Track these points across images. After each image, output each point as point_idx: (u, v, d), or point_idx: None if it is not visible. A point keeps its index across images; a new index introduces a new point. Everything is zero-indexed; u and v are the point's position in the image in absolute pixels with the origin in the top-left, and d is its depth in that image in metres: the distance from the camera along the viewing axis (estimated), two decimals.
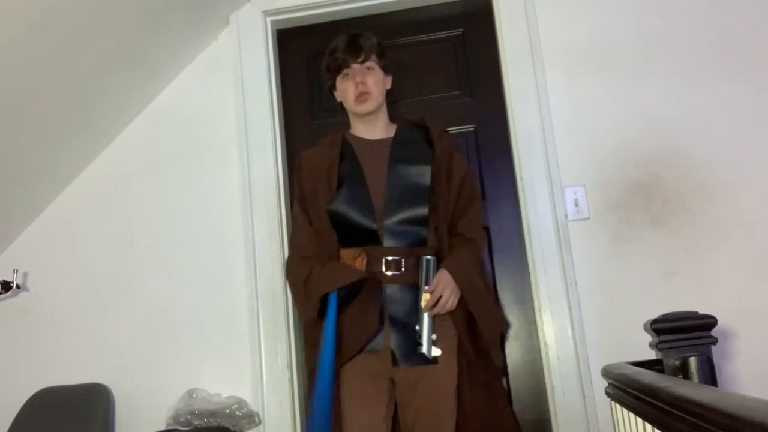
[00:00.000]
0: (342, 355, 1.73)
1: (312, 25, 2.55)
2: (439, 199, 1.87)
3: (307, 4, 2.49)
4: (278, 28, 2.57)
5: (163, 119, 2.52)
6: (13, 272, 2.32)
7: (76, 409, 2.24)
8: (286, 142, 2.48)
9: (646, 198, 2.21)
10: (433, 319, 1.74)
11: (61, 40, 2.03)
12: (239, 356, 2.30)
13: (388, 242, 1.81)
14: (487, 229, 2.34)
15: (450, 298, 1.75)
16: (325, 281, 1.76)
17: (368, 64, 1.91)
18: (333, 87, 1.99)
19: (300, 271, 1.84)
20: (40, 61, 2.03)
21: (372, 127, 1.96)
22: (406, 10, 2.52)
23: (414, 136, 1.96)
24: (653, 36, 2.30)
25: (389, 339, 1.76)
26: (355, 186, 1.85)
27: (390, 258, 1.79)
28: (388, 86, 1.99)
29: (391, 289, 1.79)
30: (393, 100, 2.42)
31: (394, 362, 1.75)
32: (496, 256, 2.32)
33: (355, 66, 1.90)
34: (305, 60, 2.56)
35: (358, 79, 1.89)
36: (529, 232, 2.23)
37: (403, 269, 1.79)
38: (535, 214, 2.23)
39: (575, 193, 2.24)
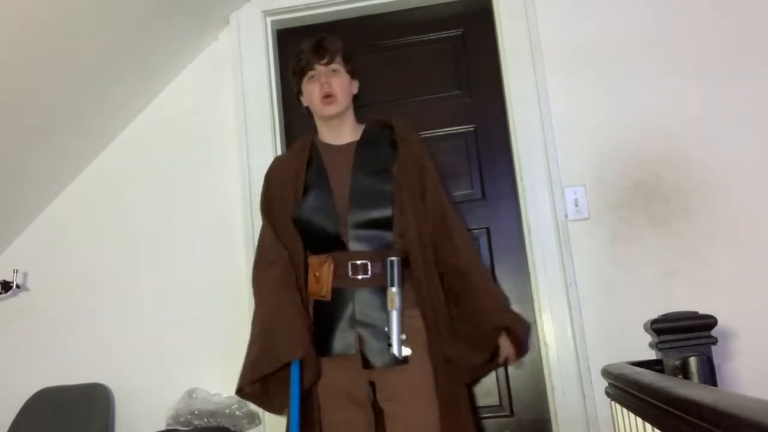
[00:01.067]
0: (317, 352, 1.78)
1: (312, 25, 2.55)
2: (406, 203, 1.85)
3: (307, 4, 2.49)
4: (278, 28, 2.57)
5: (163, 119, 2.52)
6: (13, 272, 2.32)
7: (76, 409, 2.24)
8: (286, 142, 2.48)
9: (646, 198, 2.21)
10: (402, 319, 1.75)
11: (60, 40, 2.03)
12: (239, 356, 2.29)
13: (353, 247, 1.82)
14: (487, 229, 2.35)
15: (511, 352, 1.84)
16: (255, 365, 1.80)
17: (333, 66, 1.93)
18: (299, 92, 2.00)
19: (261, 283, 1.91)
20: (39, 61, 2.03)
21: (338, 131, 1.96)
22: (406, 10, 2.52)
23: (379, 139, 1.95)
24: (653, 36, 2.29)
25: (360, 343, 1.78)
26: (319, 193, 1.86)
27: (357, 262, 1.81)
28: (355, 91, 2.00)
29: (360, 294, 1.80)
30: (392, 100, 2.44)
31: (366, 365, 1.77)
32: (496, 256, 2.32)
33: (320, 68, 1.92)
34: None
35: (323, 80, 1.90)
36: (529, 232, 2.23)
37: (369, 273, 1.80)
38: (535, 214, 2.23)
39: (575, 193, 2.24)
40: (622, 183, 2.23)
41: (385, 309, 1.76)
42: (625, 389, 1.38)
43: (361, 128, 1.99)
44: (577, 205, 2.23)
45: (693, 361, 1.52)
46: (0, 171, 2.24)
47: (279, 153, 2.43)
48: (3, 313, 2.44)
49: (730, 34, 2.26)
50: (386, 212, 1.83)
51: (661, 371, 1.57)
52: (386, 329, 1.75)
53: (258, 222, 2.35)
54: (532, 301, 2.24)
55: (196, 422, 2.14)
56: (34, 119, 2.21)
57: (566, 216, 2.22)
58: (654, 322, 1.61)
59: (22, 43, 1.93)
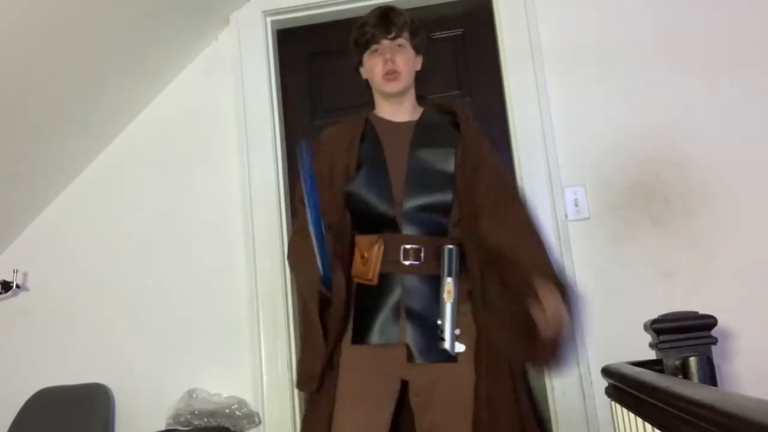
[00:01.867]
0: (351, 339, 1.66)
1: (312, 25, 2.55)
2: (465, 190, 1.72)
3: (307, 4, 2.49)
4: (278, 28, 2.57)
5: (162, 119, 2.52)
6: (13, 272, 2.32)
7: (76, 409, 2.24)
8: (286, 142, 2.48)
9: (646, 198, 2.21)
10: (457, 313, 1.62)
11: (60, 40, 2.03)
12: (239, 356, 2.30)
13: (406, 230, 1.68)
14: None
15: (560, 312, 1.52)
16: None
17: (399, 41, 1.78)
18: (359, 63, 1.85)
19: (301, 249, 1.67)
20: (39, 61, 2.03)
21: (397, 108, 1.83)
22: (406, 10, 2.51)
23: (440, 120, 1.84)
24: (653, 36, 2.29)
25: (405, 333, 1.64)
26: (374, 168, 1.73)
27: (408, 246, 1.67)
28: (419, 67, 1.86)
29: (409, 280, 1.66)
30: None
31: (410, 358, 1.63)
32: None
33: (385, 42, 1.77)
34: (305, 60, 2.56)
35: (388, 56, 1.76)
36: None
37: (422, 259, 1.67)
38: (535, 214, 2.22)
39: (575, 193, 2.24)
40: (622, 183, 2.23)
41: (435, 300, 1.63)
42: (625, 389, 1.38)
43: (420, 109, 1.87)
44: (577, 205, 2.23)
45: (693, 361, 1.52)
46: (0, 171, 2.24)
47: (279, 153, 2.43)
48: (3, 313, 2.44)
49: (731, 34, 2.26)
50: (446, 196, 1.70)
51: (661, 371, 1.57)
52: (438, 322, 1.61)
53: (258, 222, 2.36)
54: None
55: (196, 422, 2.14)
56: (34, 119, 2.20)
57: (566, 216, 2.22)
58: (654, 322, 1.61)
59: (22, 43, 1.92)
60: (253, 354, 2.28)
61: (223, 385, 2.27)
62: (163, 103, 2.53)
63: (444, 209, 1.71)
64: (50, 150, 2.35)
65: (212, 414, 2.16)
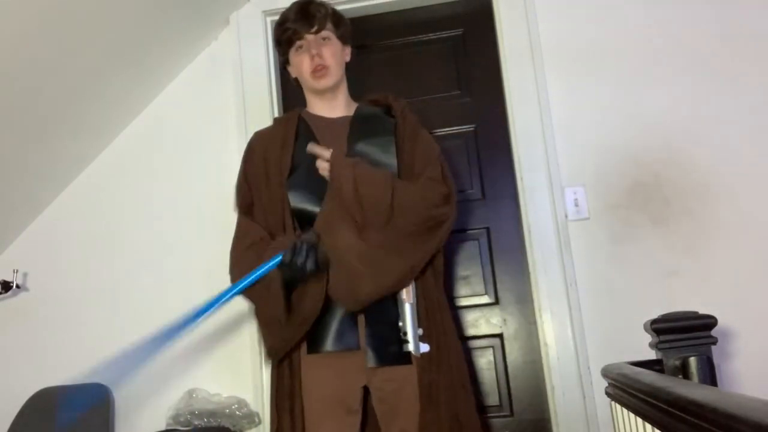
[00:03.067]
0: (309, 347, 1.57)
1: None
2: (407, 179, 1.62)
3: None
4: None
5: (163, 119, 2.53)
6: (13, 272, 2.32)
7: (76, 409, 2.24)
8: None
9: (646, 198, 2.21)
10: (417, 311, 1.55)
11: (60, 40, 2.03)
12: (239, 356, 2.30)
13: None
14: (487, 229, 2.35)
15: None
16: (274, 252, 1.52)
17: (323, 34, 1.70)
18: (287, 62, 1.78)
19: (246, 262, 1.59)
20: (39, 61, 2.03)
21: (331, 104, 1.75)
22: (406, 10, 2.52)
23: (376, 114, 1.75)
24: (653, 36, 2.30)
25: (365, 338, 1.55)
26: (311, 167, 1.60)
27: None
28: (348, 58, 1.78)
29: None
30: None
31: (371, 363, 1.54)
32: (496, 256, 2.32)
33: (309, 37, 1.69)
34: None
35: (314, 51, 1.68)
36: (529, 232, 2.23)
37: None
38: (535, 214, 2.23)
39: (575, 193, 2.24)
40: (622, 183, 2.23)
41: (393, 301, 1.56)
42: (625, 389, 1.38)
43: (354, 104, 1.79)
44: (577, 205, 2.23)
45: (693, 361, 1.52)
46: (0, 171, 2.24)
47: None
48: (3, 313, 2.44)
49: (730, 34, 2.26)
50: None
51: (661, 371, 1.56)
52: (400, 323, 1.54)
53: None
54: (532, 301, 2.24)
55: (196, 422, 2.14)
56: (34, 119, 2.21)
57: (566, 216, 2.22)
58: (654, 322, 1.61)
59: (22, 43, 1.93)
60: (253, 354, 2.28)
61: (223, 385, 2.27)
62: (163, 103, 2.54)
63: None
64: (50, 150, 2.36)
65: (212, 414, 2.16)
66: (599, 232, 2.21)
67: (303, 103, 1.79)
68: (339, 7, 2.43)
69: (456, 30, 2.50)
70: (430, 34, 2.50)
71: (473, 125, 2.41)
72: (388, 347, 1.55)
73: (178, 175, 2.47)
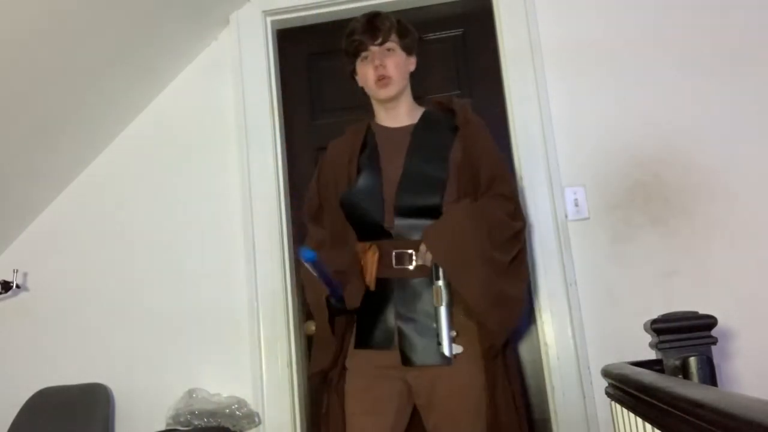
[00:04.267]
0: (353, 343, 1.74)
1: (312, 25, 2.55)
2: (461, 193, 1.74)
3: (306, 4, 2.49)
4: (278, 28, 2.57)
5: (162, 119, 2.53)
6: (13, 272, 2.32)
7: (76, 409, 2.24)
8: (286, 142, 2.48)
9: (646, 198, 2.21)
10: (451, 314, 1.64)
11: (60, 40, 2.03)
12: (239, 356, 2.30)
13: (398, 235, 1.72)
14: None
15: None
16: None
17: (388, 45, 1.80)
18: (354, 72, 1.88)
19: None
20: (39, 61, 2.03)
21: (394, 113, 1.85)
22: (406, 10, 2.51)
23: (438, 122, 1.85)
24: (653, 36, 2.29)
25: (400, 338, 1.67)
26: (368, 176, 1.77)
27: (400, 252, 1.70)
28: (412, 68, 1.87)
29: (402, 285, 1.70)
30: None
31: (405, 362, 1.65)
32: None
33: (374, 48, 1.79)
34: (305, 60, 2.56)
35: (377, 62, 1.78)
36: (530, 232, 2.23)
37: (414, 263, 1.69)
38: (535, 214, 2.23)
39: (575, 193, 2.24)
40: (622, 183, 2.23)
41: (429, 303, 1.65)
42: (625, 389, 1.38)
43: (420, 110, 1.88)
44: (577, 205, 2.23)
45: (693, 361, 1.52)
46: (0, 171, 2.24)
47: (279, 153, 2.43)
48: (3, 313, 2.44)
49: (730, 34, 2.26)
50: (434, 200, 1.71)
51: (661, 371, 1.56)
52: (434, 325, 1.63)
53: (258, 222, 2.36)
54: (532, 301, 2.24)
55: (196, 422, 2.14)
56: (34, 119, 2.21)
57: (566, 216, 2.22)
58: (654, 322, 1.61)
59: (22, 43, 1.93)
60: (253, 354, 2.29)
61: (223, 385, 2.27)
62: (163, 103, 2.54)
63: (434, 213, 1.71)
64: (50, 150, 2.36)
65: (212, 414, 2.16)
66: (599, 232, 2.21)
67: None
68: (340, 7, 2.47)
69: (456, 30, 2.50)
70: (430, 34, 2.50)
71: None
72: (420, 347, 1.66)
73: (177, 175, 2.47)
